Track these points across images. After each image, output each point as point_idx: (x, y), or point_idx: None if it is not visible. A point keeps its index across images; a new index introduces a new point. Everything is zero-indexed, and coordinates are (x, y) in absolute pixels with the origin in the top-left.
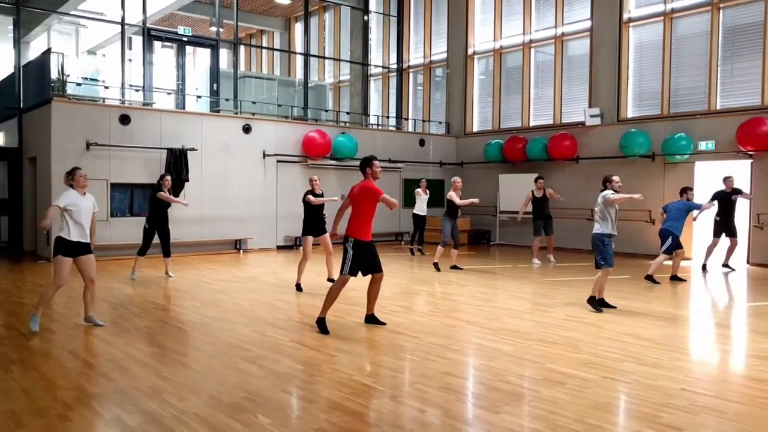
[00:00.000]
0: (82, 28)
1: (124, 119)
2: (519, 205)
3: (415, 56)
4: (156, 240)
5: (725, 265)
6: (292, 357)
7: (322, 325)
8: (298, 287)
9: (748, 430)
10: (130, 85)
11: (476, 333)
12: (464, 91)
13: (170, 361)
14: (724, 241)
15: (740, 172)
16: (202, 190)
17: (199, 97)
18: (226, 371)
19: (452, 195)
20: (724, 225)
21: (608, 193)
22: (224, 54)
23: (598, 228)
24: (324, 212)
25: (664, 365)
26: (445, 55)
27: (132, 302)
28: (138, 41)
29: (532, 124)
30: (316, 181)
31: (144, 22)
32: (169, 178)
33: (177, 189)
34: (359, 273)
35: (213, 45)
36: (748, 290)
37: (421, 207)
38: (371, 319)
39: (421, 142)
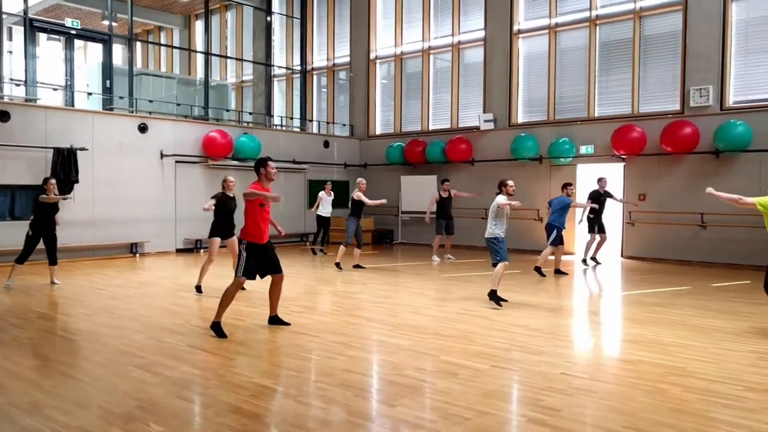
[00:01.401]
0: None
1: (3, 116)
2: (426, 205)
3: (318, 58)
4: (41, 246)
5: (593, 259)
6: (189, 362)
7: (218, 329)
8: (198, 289)
9: (615, 407)
10: (11, 79)
11: (376, 329)
12: (367, 94)
13: (54, 374)
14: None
15: (615, 174)
16: (94, 191)
17: (90, 94)
18: (117, 380)
19: (361, 196)
20: (596, 222)
21: (500, 199)
22: (119, 50)
23: (489, 232)
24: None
25: (547, 352)
26: (348, 59)
27: (11, 312)
28: (19, 32)
29: (431, 128)
30: (231, 181)
31: (25, 12)
32: (54, 182)
33: (66, 190)
34: (258, 276)
35: (105, 40)
36: (622, 281)
37: (325, 209)
38: (275, 320)
39: (326, 144)
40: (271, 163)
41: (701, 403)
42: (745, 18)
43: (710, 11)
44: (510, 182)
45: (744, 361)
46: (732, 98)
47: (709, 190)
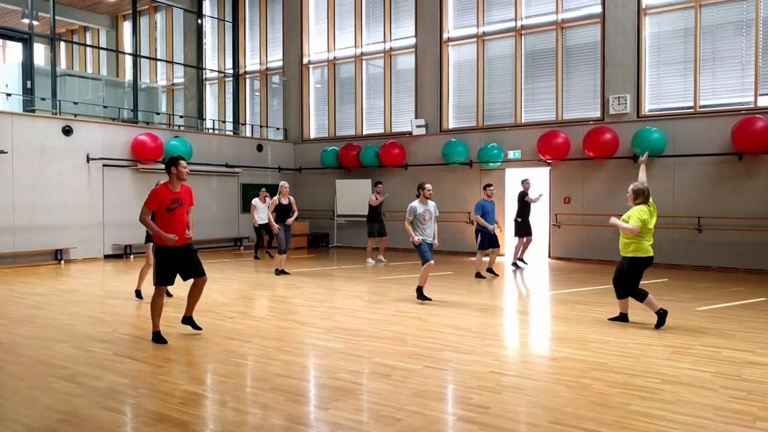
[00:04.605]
0: None
1: None
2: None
3: (251, 62)
4: None
5: (520, 260)
6: (116, 371)
7: (158, 338)
8: (138, 294)
9: (541, 403)
10: None
11: (310, 333)
12: (300, 98)
13: None
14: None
15: (541, 178)
16: (14, 196)
17: (10, 95)
18: (37, 393)
19: (291, 200)
20: (523, 225)
21: (415, 204)
22: (41, 49)
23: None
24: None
25: (477, 351)
26: (281, 63)
27: None
28: None
29: (365, 132)
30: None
31: None
32: None
33: None
34: (179, 279)
35: (26, 39)
36: (549, 281)
37: (260, 216)
38: (188, 321)
39: (259, 147)
40: (183, 162)
41: (621, 396)
42: (657, 31)
43: (626, 24)
44: (428, 185)
45: (660, 355)
46: (647, 106)
47: (612, 220)
